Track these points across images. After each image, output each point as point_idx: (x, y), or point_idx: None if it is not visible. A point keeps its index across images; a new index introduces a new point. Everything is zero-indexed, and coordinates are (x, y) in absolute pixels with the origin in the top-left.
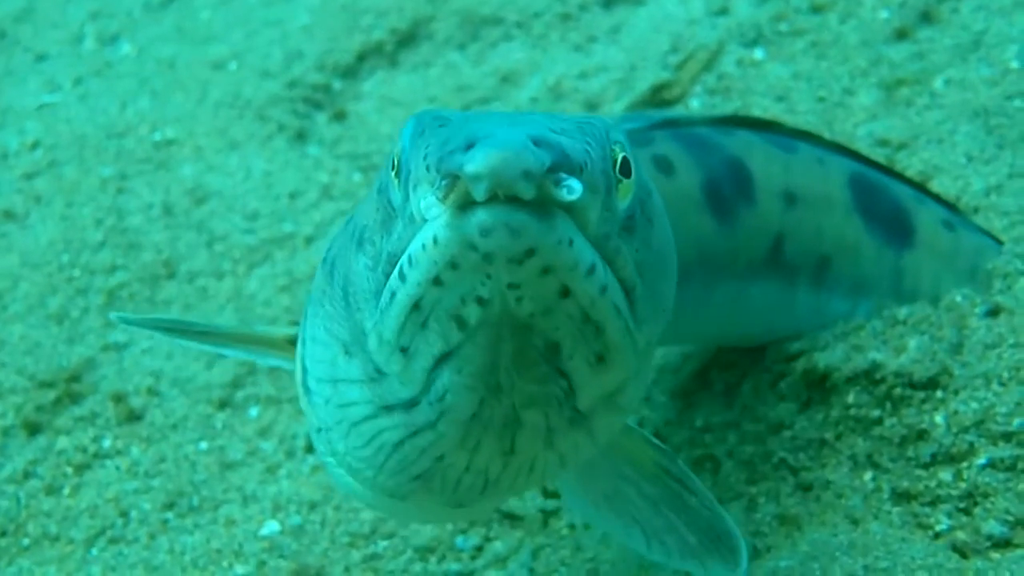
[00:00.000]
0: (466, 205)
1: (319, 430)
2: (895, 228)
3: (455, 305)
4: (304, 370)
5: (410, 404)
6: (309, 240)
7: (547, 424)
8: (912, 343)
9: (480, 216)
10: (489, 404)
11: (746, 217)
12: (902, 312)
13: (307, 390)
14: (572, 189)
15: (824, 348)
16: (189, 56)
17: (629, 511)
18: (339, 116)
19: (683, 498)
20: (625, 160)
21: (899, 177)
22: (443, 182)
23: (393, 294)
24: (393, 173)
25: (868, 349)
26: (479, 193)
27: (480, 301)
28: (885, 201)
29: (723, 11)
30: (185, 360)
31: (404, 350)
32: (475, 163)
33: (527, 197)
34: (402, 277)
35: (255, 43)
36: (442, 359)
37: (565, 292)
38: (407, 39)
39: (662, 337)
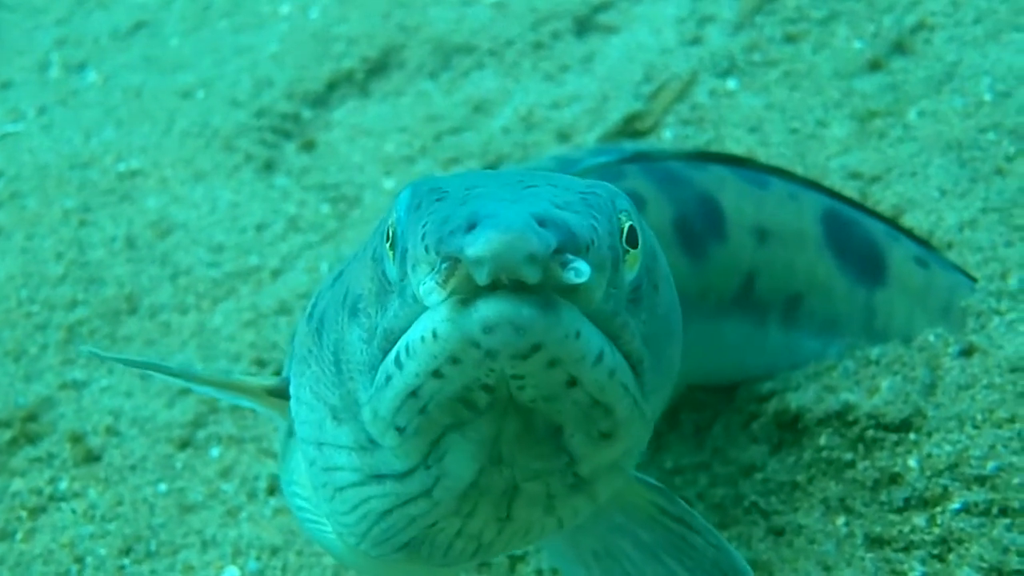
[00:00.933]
0: (468, 294)
1: (315, 487)
2: (867, 265)
3: (458, 393)
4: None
5: (404, 474)
6: (275, 274)
7: (547, 492)
8: (885, 384)
9: (482, 311)
10: (488, 473)
11: (717, 254)
12: (874, 352)
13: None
14: (580, 272)
15: (796, 389)
16: (156, 84)
17: (623, 566)
18: (308, 146)
19: (686, 539)
20: (632, 229)
21: (872, 213)
22: (443, 265)
23: (389, 378)
24: (388, 245)
25: (840, 390)
26: (481, 277)
27: (486, 388)
28: (858, 237)
29: (696, 40)
30: (146, 398)
31: (400, 429)
32: (476, 247)
33: (532, 281)
34: (399, 364)
35: (224, 71)
36: (445, 432)
37: (572, 382)
38: (378, 68)
39: None
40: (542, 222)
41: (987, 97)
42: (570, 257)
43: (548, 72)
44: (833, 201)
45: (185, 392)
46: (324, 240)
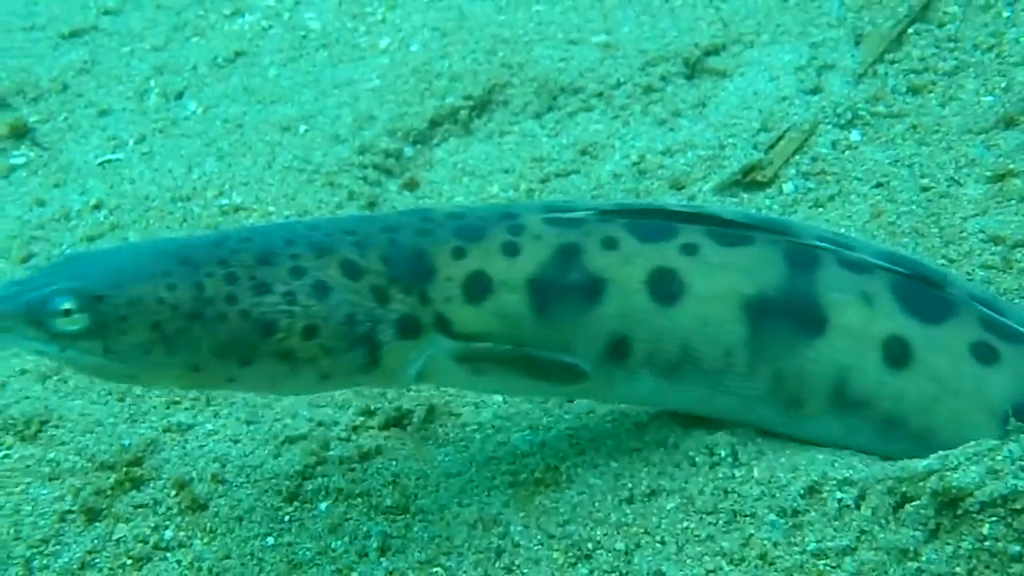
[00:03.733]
0: None
1: None
2: None
3: None
4: None
5: None
6: None
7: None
8: None
9: None
10: None
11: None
12: None
13: None
14: None
15: (956, 468)
16: (256, 116)
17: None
18: (411, 184)
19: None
20: (67, 311)
21: None
22: None
23: None
24: None
25: (1007, 474)
26: None
27: None
28: None
29: (816, 89)
30: (252, 445)
31: None
32: None
33: None
34: None
35: (324, 105)
36: None
37: None
38: (482, 105)
39: None
40: None
41: None
42: None
43: (659, 116)
44: None
45: (293, 440)
46: None
